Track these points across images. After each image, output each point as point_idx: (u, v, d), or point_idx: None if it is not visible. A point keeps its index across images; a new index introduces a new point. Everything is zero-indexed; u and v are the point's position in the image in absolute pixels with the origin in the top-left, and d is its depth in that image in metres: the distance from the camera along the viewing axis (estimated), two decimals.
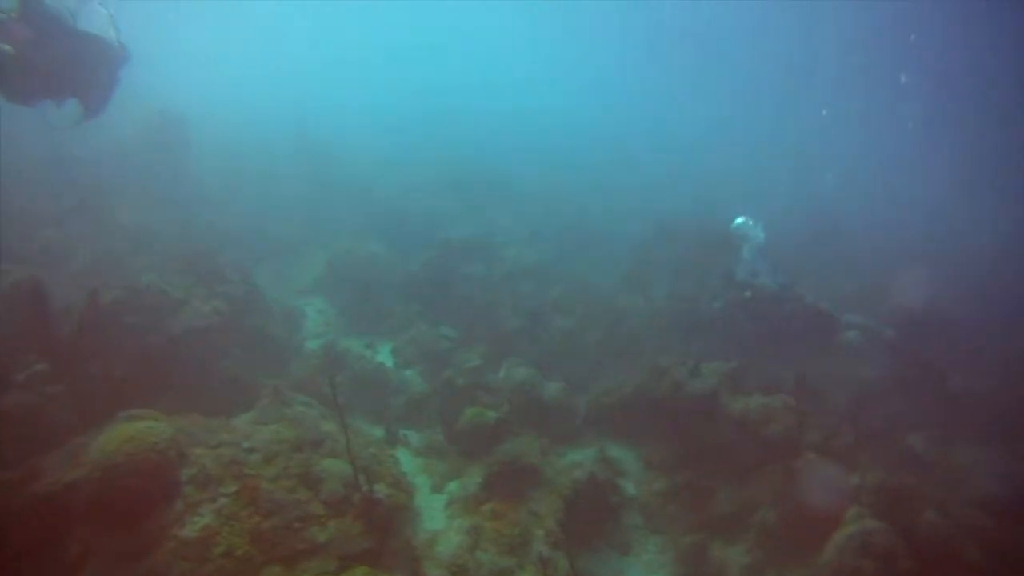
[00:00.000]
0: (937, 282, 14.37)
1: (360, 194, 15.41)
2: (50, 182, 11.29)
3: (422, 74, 45.29)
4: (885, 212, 21.94)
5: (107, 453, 4.52)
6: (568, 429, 8.23)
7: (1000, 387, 10.37)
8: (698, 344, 9.15)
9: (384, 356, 9.28)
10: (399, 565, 5.54)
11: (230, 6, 40.00)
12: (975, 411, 9.76)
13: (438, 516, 6.63)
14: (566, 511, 6.71)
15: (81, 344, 6.15)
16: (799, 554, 6.89)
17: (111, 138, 12.71)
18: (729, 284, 9.66)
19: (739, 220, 10.18)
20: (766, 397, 8.14)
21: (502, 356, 8.96)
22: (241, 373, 7.44)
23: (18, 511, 4.45)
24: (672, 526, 7.21)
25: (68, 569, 4.28)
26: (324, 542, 5.08)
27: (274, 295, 10.34)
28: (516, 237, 13.44)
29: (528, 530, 6.42)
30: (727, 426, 7.87)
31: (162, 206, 11.68)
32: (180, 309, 7.36)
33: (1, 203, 9.29)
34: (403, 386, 8.51)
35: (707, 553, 6.72)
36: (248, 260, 10.67)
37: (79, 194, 11.05)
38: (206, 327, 7.40)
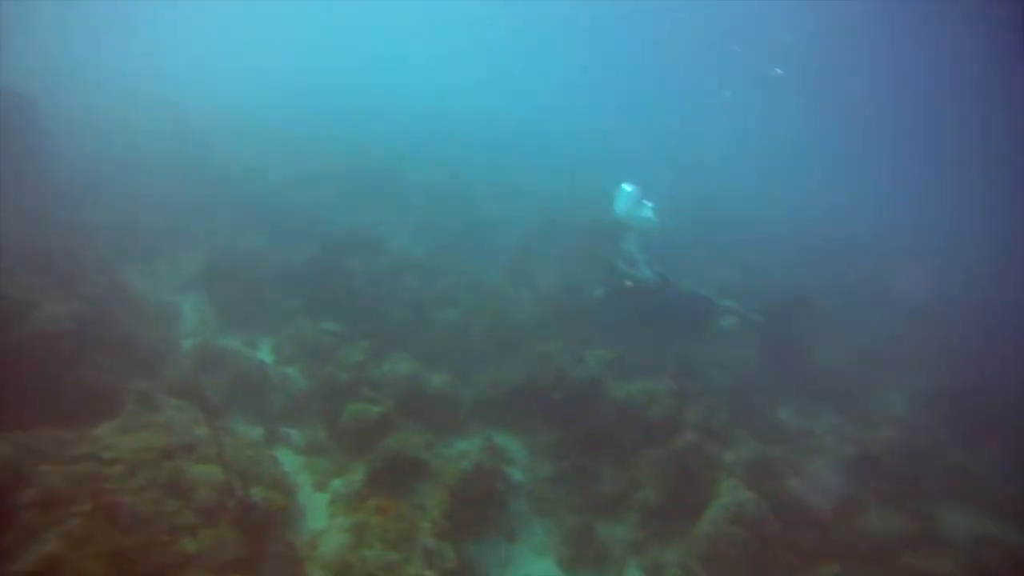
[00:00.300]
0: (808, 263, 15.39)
1: (241, 185, 14.71)
2: None
3: (316, 65, 43.70)
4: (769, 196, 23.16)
5: None
6: (454, 420, 8.25)
7: (854, 361, 11.24)
8: (583, 332, 9.35)
9: (264, 353, 8.94)
10: (279, 569, 5.40)
11: None
12: (833, 383, 10.54)
13: (321, 515, 6.50)
14: (452, 502, 6.71)
15: None
16: (679, 528, 7.25)
17: None
18: (610, 274, 9.90)
19: (626, 187, 10.32)
20: (648, 381, 8.47)
21: (387, 350, 8.86)
22: (105, 379, 6.98)
23: None
24: (558, 509, 7.38)
25: None
26: (195, 553, 4.86)
27: (145, 292, 9.77)
28: (403, 230, 13.24)
29: (414, 524, 6.39)
30: (610, 411, 8.12)
31: (15, 198, 10.75)
32: (29, 312, 6.81)
33: None
34: (284, 383, 8.22)
35: (593, 533, 6.93)
36: (116, 256, 10.03)
37: None
38: (61, 331, 6.88)
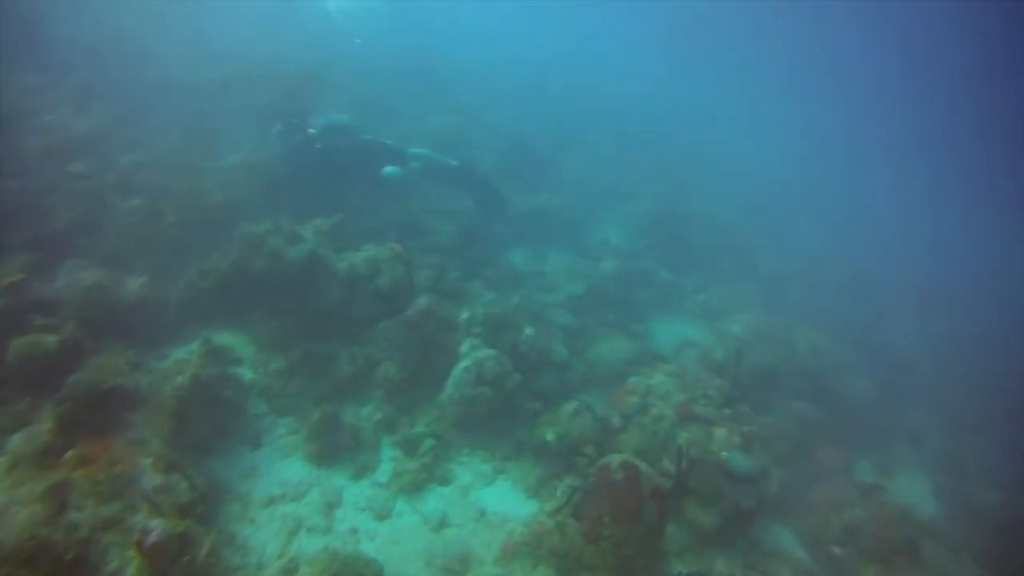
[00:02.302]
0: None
1: None
2: None
3: None
4: None
5: None
6: (162, 328, 7.14)
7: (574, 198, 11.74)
8: (287, 201, 8.42)
9: None
10: None
11: None
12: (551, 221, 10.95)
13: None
14: (176, 426, 5.89)
15: None
16: (426, 396, 7.19)
17: None
18: (288, 127, 9.07)
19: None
20: (372, 248, 7.99)
21: (57, 260, 7.26)
22: None
23: None
24: (299, 403, 6.86)
25: None
26: None
27: None
28: (57, 100, 10.51)
29: (132, 463, 5.55)
30: (336, 287, 7.58)
31: None
32: None
33: None
34: None
35: (339, 421, 6.59)
36: None
37: None
38: None
